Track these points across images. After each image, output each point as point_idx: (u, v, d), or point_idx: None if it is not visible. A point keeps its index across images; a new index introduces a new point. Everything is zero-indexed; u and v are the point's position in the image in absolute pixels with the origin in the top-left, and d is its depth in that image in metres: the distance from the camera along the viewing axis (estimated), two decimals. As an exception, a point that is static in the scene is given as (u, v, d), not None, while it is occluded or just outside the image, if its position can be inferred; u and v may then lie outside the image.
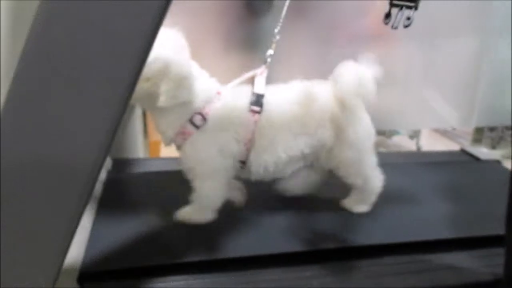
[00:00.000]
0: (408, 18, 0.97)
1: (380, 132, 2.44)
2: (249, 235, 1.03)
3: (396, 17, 0.99)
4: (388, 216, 1.14)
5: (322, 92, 1.05)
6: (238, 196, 1.13)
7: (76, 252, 0.91)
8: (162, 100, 0.90)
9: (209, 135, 0.97)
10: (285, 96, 1.03)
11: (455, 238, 1.06)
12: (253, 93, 1.00)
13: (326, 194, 1.19)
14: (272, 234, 1.04)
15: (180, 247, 0.98)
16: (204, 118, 0.96)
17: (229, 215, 1.06)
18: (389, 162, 1.41)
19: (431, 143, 2.63)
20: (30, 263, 0.63)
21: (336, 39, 1.76)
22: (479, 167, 1.53)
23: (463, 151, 1.69)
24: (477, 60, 1.59)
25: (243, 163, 1.01)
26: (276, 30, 1.10)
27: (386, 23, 1.04)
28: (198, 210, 1.03)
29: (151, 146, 1.96)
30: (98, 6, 0.52)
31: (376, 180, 1.12)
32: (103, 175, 1.26)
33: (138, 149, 1.61)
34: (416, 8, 0.97)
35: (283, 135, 1.01)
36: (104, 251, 0.94)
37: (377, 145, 2.57)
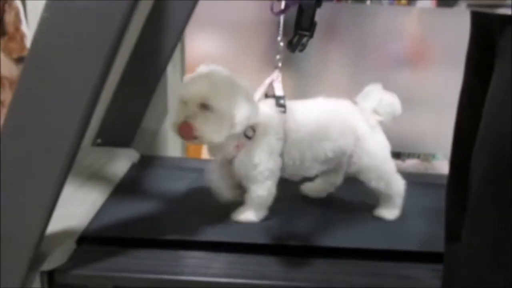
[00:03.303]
0: (303, 45, 1.08)
1: (414, 156, 2.46)
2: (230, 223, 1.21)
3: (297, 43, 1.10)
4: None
5: (344, 107, 1.26)
6: None
7: (82, 221, 1.13)
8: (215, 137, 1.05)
9: (257, 142, 1.16)
10: (312, 108, 1.24)
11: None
12: (275, 97, 1.21)
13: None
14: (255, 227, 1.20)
15: (168, 228, 1.17)
16: (254, 130, 1.15)
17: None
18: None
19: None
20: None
21: (369, 61, 1.88)
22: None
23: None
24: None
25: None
26: (279, 38, 1.25)
27: (288, 49, 1.15)
28: (252, 210, 1.21)
29: (191, 147, 2.17)
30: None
31: (398, 183, 1.28)
32: (126, 166, 1.51)
33: (169, 148, 1.85)
34: (311, 36, 1.07)
35: (309, 138, 1.20)
36: (104, 223, 1.16)
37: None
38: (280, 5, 1.07)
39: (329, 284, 1.02)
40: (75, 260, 1.02)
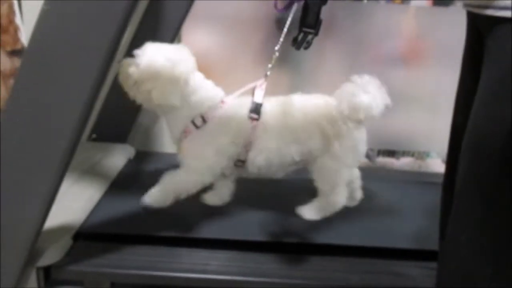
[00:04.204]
0: (308, 42, 1.05)
1: (408, 154, 2.48)
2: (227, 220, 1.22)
3: (301, 41, 1.07)
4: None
5: (316, 106, 1.16)
6: (225, 195, 1.28)
7: (78, 216, 1.13)
8: (154, 98, 1.07)
9: (207, 136, 1.13)
10: (282, 108, 1.16)
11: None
12: (253, 102, 1.15)
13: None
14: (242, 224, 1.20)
15: (165, 224, 1.17)
16: (204, 120, 1.13)
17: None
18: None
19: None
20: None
21: (364, 59, 1.89)
22: None
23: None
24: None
25: (243, 162, 1.16)
26: (276, 48, 1.21)
27: (293, 46, 1.12)
28: (162, 194, 1.15)
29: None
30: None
31: (340, 195, 1.15)
32: (122, 162, 1.50)
33: (165, 144, 1.84)
34: (316, 34, 1.05)
35: (276, 142, 1.15)
36: (101, 219, 1.16)
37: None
38: (284, 2, 1.06)
39: (326, 282, 1.02)
40: (71, 256, 1.02)
